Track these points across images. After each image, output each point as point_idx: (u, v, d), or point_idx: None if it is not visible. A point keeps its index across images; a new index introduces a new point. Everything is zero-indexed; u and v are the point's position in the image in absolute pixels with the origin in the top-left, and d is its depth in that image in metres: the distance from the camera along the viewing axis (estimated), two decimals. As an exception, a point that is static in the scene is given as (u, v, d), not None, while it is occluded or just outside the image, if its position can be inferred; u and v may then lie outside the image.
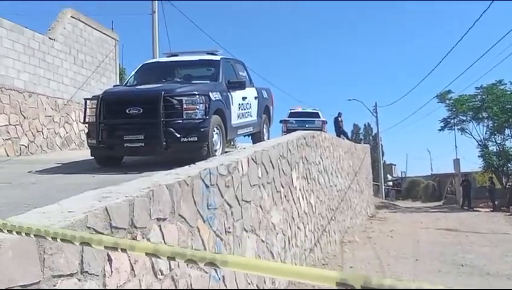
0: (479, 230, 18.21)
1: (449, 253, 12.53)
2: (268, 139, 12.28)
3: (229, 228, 5.75)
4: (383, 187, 45.68)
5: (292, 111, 24.20)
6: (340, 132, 24.94)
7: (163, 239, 4.13)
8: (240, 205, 6.19)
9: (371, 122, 55.18)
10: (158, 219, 4.10)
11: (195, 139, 8.21)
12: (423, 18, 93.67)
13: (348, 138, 25.41)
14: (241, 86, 10.14)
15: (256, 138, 11.87)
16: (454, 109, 33.15)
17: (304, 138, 10.82)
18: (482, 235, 16.90)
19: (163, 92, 8.16)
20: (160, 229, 4.13)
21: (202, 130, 8.30)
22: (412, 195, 48.74)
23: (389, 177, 62.14)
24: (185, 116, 8.25)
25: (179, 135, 8.12)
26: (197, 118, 8.30)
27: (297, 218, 9.58)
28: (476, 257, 12.16)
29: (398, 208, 31.65)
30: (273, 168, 7.96)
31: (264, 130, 12.21)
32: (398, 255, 12.22)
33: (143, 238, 3.77)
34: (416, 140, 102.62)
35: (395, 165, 71.72)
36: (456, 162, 36.68)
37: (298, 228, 9.58)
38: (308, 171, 10.93)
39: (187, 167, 5.50)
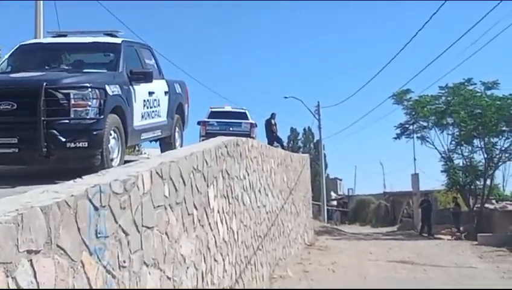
0: (440, 263, 18.88)
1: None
2: (181, 145, 12.27)
3: (124, 261, 5.70)
4: (325, 208, 46.46)
5: (214, 110, 24.22)
6: (273, 138, 25.19)
7: (35, 277, 4.05)
8: (139, 232, 6.15)
9: (312, 127, 55.99)
10: (29, 252, 4.01)
11: (86, 144, 8.11)
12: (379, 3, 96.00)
13: (282, 146, 25.71)
14: (147, 77, 10.08)
15: (166, 144, 11.83)
16: (413, 113, 34.10)
17: (225, 146, 10.86)
18: (443, 269, 17.54)
19: (44, 83, 8.00)
20: (32, 264, 4.04)
21: (95, 133, 8.21)
22: (360, 218, 49.85)
23: (333, 195, 63.31)
24: (72, 115, 8.13)
25: (64, 139, 8.00)
26: (88, 117, 8.20)
27: (215, 248, 9.60)
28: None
29: (343, 234, 32.32)
30: (185, 184, 7.95)
31: (176, 134, 12.20)
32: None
33: (7, 277, 3.68)
34: (367, 150, 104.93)
35: (340, 180, 73.18)
36: (415, 177, 37.75)
37: (215, 260, 9.60)
38: (229, 189, 10.97)
39: (71, 182, 5.41)
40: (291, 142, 63.25)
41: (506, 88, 32.65)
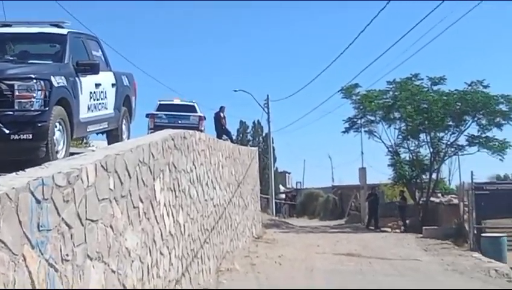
0: (386, 255, 19.20)
1: (347, 285, 13.10)
2: (128, 138, 12.23)
3: (67, 255, 5.67)
4: (274, 201, 46.69)
5: (162, 103, 24.21)
6: (222, 131, 25.30)
7: (-26, 272, 4.02)
8: (83, 225, 6.12)
9: (261, 120, 56.15)
10: (-32, 245, 3.99)
11: (30, 136, 8.04)
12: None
13: (231, 139, 25.81)
14: (93, 69, 10.03)
15: (113, 136, 11.79)
16: (361, 107, 34.48)
17: (172, 139, 10.86)
18: (389, 261, 17.84)
19: (-13, 74, 7.91)
20: (-29, 258, 4.02)
21: (40, 125, 8.14)
22: (309, 211, 50.21)
23: (282, 188, 63.63)
24: (16, 107, 8.05)
25: (7, 131, 7.92)
26: (33, 109, 8.13)
27: (160, 241, 9.60)
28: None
29: (291, 228, 32.56)
30: (130, 177, 7.93)
31: (124, 126, 12.17)
32: (286, 288, 12.60)
33: None
34: (316, 144, 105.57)
35: (289, 173, 73.60)
36: (362, 171, 38.25)
37: (161, 253, 9.60)
38: (176, 182, 10.98)
39: (13, 174, 5.37)
40: (241, 135, 63.32)
41: (452, 83, 33.29)
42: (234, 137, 40.44)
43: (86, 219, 6.24)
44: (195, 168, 12.90)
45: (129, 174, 7.88)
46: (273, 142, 51.71)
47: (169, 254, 10.20)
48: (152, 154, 9.24)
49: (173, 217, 10.61)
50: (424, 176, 34.34)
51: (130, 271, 7.77)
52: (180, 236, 11.10)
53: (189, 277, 11.57)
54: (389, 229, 32.84)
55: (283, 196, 60.09)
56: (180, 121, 21.94)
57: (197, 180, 12.97)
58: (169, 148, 10.60)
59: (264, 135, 58.70)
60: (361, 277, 14.33)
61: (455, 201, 30.60)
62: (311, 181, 75.62)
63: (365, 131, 35.93)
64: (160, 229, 9.64)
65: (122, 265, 7.45)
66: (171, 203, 10.50)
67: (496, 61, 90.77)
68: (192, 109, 24.13)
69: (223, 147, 17.35)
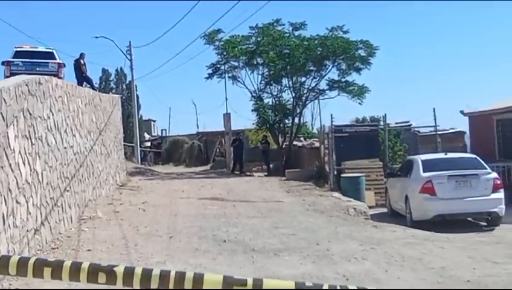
0: (249, 198, 19.62)
1: (211, 227, 13.34)
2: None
3: None
4: (139, 149, 46.36)
5: (18, 50, 23.28)
6: (83, 78, 24.73)
7: None
8: None
9: (124, 68, 55.14)
10: None
11: None
12: None
13: (93, 87, 25.31)
14: None
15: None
16: (224, 53, 34.54)
17: (27, 85, 10.53)
18: (252, 204, 18.24)
19: None
20: None
21: None
22: (174, 158, 50.19)
23: (147, 136, 63.22)
24: None
25: None
26: None
27: (16, 190, 9.37)
28: (242, 230, 13.14)
29: (156, 175, 32.50)
30: (-20, 124, 7.66)
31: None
32: (150, 233, 12.68)
33: None
34: (180, 90, 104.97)
35: (154, 121, 73.20)
36: (227, 117, 38.51)
37: (17, 202, 9.39)
38: (32, 129, 10.70)
39: None
40: (103, 83, 62.00)
41: (313, 29, 33.90)
42: (97, 85, 39.58)
43: None
44: (53, 114, 12.58)
45: (-21, 121, 7.60)
46: (136, 90, 50.97)
47: (27, 202, 9.99)
48: (4, 100, 8.94)
49: (30, 165, 10.36)
50: (287, 121, 35.03)
51: (-17, 221, 7.56)
52: (38, 184, 10.86)
53: (49, 225, 11.39)
54: (254, 174, 33.52)
55: (148, 144, 59.79)
56: (38, 69, 21.24)
57: (55, 128, 12.67)
58: (23, 94, 10.28)
59: (127, 82, 57.69)
60: (225, 220, 14.59)
61: (317, 144, 31.60)
62: (177, 129, 75.63)
63: (229, 77, 36.01)
64: (16, 178, 9.40)
65: (-26, 215, 7.24)
66: (26, 151, 10.24)
67: (356, 6, 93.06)
68: (50, 55, 23.44)
69: (82, 94, 16.97)
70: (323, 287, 2.38)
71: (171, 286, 2.40)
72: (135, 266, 2.53)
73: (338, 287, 2.38)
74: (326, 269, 9.62)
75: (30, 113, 10.62)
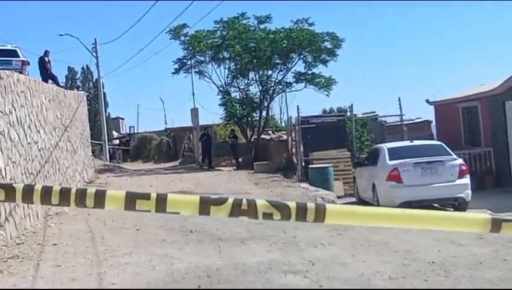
0: (218, 191, 19.61)
1: (178, 219, 13.30)
2: None
3: None
4: (107, 147, 46.09)
5: None
6: (47, 75, 24.63)
7: None
8: None
9: (90, 65, 54.69)
10: None
11: None
12: None
13: (58, 84, 25.17)
14: None
15: None
16: (190, 48, 34.49)
17: (-14, 79, 10.42)
18: (220, 196, 18.21)
19: None
20: None
21: None
22: (142, 155, 50.09)
23: (115, 134, 62.88)
24: None
25: None
26: None
27: (-22, 185, 9.26)
28: (209, 221, 13.10)
29: (124, 171, 32.36)
30: None
31: None
32: (117, 226, 12.63)
33: None
34: (148, 86, 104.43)
35: (123, 119, 72.91)
36: (194, 112, 38.46)
37: (-20, 197, 9.28)
38: (-7, 124, 10.59)
39: None
40: (70, 81, 61.65)
41: (278, 22, 33.96)
42: (63, 84, 39.28)
43: None
44: (15, 110, 12.46)
45: None
46: (103, 88, 50.71)
47: (-10, 198, 9.87)
48: (-39, 94, 8.83)
49: (-11, 161, 10.24)
50: (254, 114, 35.14)
51: None
52: (1, 180, 10.75)
53: (13, 221, 11.27)
54: (223, 168, 33.55)
55: (117, 141, 59.52)
56: (1, 67, 21.06)
57: (17, 123, 12.55)
58: (-16, 88, 10.17)
59: (94, 80, 57.32)
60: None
61: (285, 137, 31.75)
62: (146, 125, 75.45)
63: (195, 72, 36.01)
64: (-23, 172, 9.30)
65: None
66: (-12, 146, 10.13)
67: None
68: (14, 53, 23.41)
69: (45, 90, 16.83)
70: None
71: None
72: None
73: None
74: (293, 255, 9.66)
75: (-9, 108, 10.52)
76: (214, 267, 8.80)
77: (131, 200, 2.56)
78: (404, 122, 28.81)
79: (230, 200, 2.54)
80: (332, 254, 9.76)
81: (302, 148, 25.32)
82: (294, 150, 27.07)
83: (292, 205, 2.59)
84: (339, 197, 19.50)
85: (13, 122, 12.16)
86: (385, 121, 33.55)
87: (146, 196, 2.54)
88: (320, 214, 2.56)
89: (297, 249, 10.17)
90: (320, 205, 2.62)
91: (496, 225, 2.60)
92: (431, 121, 33.21)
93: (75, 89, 38.61)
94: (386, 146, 18.78)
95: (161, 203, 2.57)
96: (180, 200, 2.60)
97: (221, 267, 8.77)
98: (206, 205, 2.54)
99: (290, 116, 30.75)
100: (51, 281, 8.14)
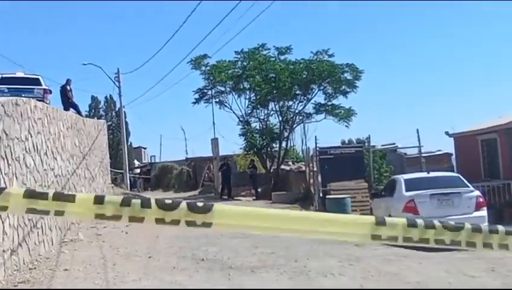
0: (234, 221, 19.55)
1: (190, 247, 13.34)
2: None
3: None
4: (128, 176, 46.29)
5: (4, 76, 23.50)
6: (69, 104, 24.86)
7: None
8: None
9: (113, 94, 55.18)
10: None
11: None
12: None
13: (79, 113, 25.42)
14: None
15: None
16: (211, 78, 34.74)
17: (3, 106, 10.56)
18: (235, 226, 18.19)
19: None
20: None
21: None
22: (163, 184, 50.24)
23: (137, 163, 63.18)
24: None
25: None
26: None
27: (-9, 209, 9.35)
28: (221, 250, 13.14)
29: (143, 200, 32.41)
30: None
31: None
32: (130, 253, 12.67)
33: None
34: (169, 116, 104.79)
35: (145, 148, 73.25)
36: (214, 142, 38.59)
37: (-8, 222, 9.38)
38: (8, 150, 10.70)
39: None
40: (93, 110, 62.09)
41: (298, 53, 34.18)
42: (86, 113, 39.65)
43: None
44: (32, 136, 12.60)
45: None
46: (126, 117, 51.09)
47: (3, 223, 9.96)
48: (-23, 119, 8.97)
49: (6, 185, 10.34)
50: (274, 145, 35.19)
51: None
52: (15, 205, 10.83)
53: (27, 247, 11.35)
54: (242, 198, 33.53)
55: (138, 170, 59.75)
56: (23, 94, 21.27)
57: (34, 149, 12.68)
58: (0, 115, 10.31)
59: (117, 109, 57.75)
60: (206, 240, 14.55)
61: (304, 168, 31.70)
62: (167, 154, 75.77)
63: (216, 102, 36.27)
64: (-10, 197, 9.38)
65: None
66: (3, 172, 10.24)
67: (340, 30, 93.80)
68: (36, 82, 23.69)
69: (64, 117, 17.01)
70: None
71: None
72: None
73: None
74: (302, 284, 9.64)
75: (6, 134, 10.64)
76: (221, 294, 8.80)
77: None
78: (424, 155, 28.64)
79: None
80: (341, 283, 9.71)
81: (320, 179, 25.25)
82: (312, 180, 27.00)
83: (183, 204, 2.73)
84: (356, 228, 19.35)
85: (29, 149, 12.29)
86: (405, 153, 33.38)
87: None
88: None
89: (307, 279, 10.13)
90: (208, 203, 2.76)
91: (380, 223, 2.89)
92: (451, 154, 33.00)
93: (97, 118, 38.95)
94: (403, 177, 18.66)
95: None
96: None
97: (228, 295, 8.77)
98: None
99: (308, 147, 30.77)
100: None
